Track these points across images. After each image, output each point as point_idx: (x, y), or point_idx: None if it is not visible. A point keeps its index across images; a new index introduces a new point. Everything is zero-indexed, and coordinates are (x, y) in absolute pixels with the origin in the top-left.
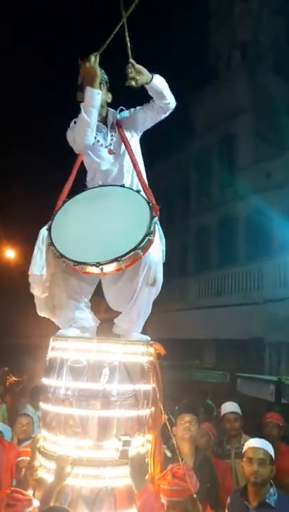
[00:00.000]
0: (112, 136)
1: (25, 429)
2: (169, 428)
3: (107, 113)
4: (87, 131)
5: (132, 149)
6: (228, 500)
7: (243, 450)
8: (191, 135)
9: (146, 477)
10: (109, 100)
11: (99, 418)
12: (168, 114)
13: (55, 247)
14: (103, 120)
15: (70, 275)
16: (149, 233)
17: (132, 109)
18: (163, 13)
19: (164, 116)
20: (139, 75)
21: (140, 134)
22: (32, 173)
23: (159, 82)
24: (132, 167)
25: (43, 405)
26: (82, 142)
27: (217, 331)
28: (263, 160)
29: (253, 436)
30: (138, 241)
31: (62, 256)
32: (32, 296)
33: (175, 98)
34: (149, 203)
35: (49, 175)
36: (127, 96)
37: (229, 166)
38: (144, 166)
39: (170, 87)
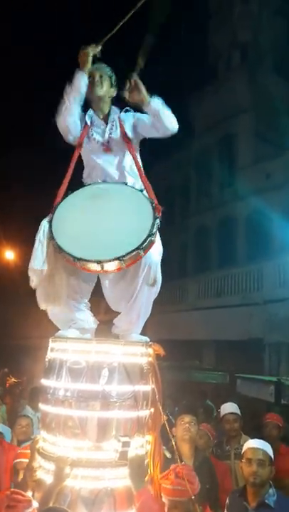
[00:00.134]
0: (110, 134)
1: (24, 430)
2: (168, 429)
3: (109, 111)
4: (67, 110)
5: (134, 149)
6: (227, 501)
7: (242, 451)
8: (190, 135)
9: (146, 478)
10: (113, 95)
11: (98, 419)
12: (168, 136)
13: (55, 242)
14: (104, 117)
15: (70, 274)
16: (152, 234)
17: (138, 114)
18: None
19: (162, 137)
20: (137, 92)
21: (141, 138)
22: (32, 174)
23: (155, 106)
24: (134, 167)
25: (42, 406)
26: (63, 122)
27: (217, 331)
28: (263, 160)
29: (252, 437)
30: (141, 241)
31: (62, 251)
32: (32, 297)
33: (174, 99)
34: (152, 204)
35: (49, 175)
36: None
37: (229, 166)
38: (144, 166)
39: (170, 87)
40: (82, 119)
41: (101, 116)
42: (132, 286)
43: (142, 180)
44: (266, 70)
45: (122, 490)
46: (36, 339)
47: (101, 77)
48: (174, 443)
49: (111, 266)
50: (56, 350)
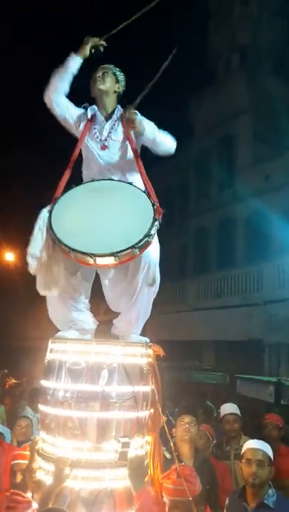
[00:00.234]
0: (109, 132)
1: (24, 431)
2: (167, 430)
3: (114, 110)
4: (52, 85)
5: (136, 151)
6: (227, 502)
7: (242, 451)
8: (190, 137)
9: (146, 479)
10: (118, 90)
11: (98, 420)
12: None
13: (53, 231)
14: (108, 115)
15: (70, 273)
16: (149, 235)
17: (148, 120)
18: (162, 16)
19: (161, 154)
20: (132, 124)
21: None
22: (32, 175)
23: (149, 136)
24: (135, 167)
25: (41, 407)
26: (46, 98)
27: (216, 332)
28: (262, 161)
29: (252, 437)
30: (137, 240)
31: (58, 240)
32: (31, 299)
33: (174, 100)
34: (153, 205)
35: (49, 177)
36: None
37: (228, 167)
38: (143, 167)
39: (170, 89)
40: (84, 115)
41: (104, 114)
42: (132, 287)
43: (143, 182)
44: (265, 72)
45: (122, 491)
46: (36, 340)
47: (104, 74)
48: (172, 444)
49: (105, 261)
50: (56, 351)
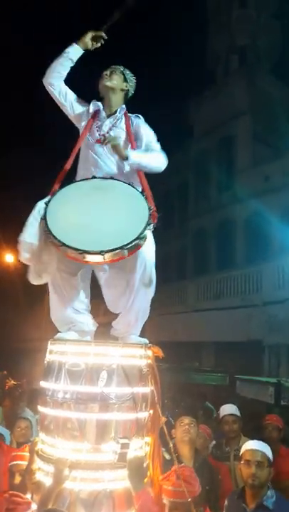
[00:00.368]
0: (110, 129)
1: (24, 432)
2: (166, 431)
3: (117, 109)
4: (50, 68)
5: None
6: (226, 503)
7: (241, 452)
8: (189, 138)
9: (145, 480)
10: (125, 88)
11: (97, 421)
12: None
13: (46, 223)
14: (111, 113)
15: (70, 274)
16: (140, 238)
17: (149, 130)
18: (162, 18)
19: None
20: (115, 151)
21: None
22: (32, 176)
23: (134, 161)
24: (134, 170)
25: (41, 408)
26: (45, 79)
27: (216, 333)
28: (261, 163)
29: (252, 438)
30: (126, 242)
31: (49, 232)
32: (31, 300)
33: (174, 101)
34: (150, 209)
35: (49, 177)
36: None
37: (227, 169)
38: None
39: (170, 91)
40: (88, 111)
41: (107, 111)
42: (128, 288)
43: (141, 184)
44: (264, 73)
45: (121, 492)
46: (36, 341)
47: (112, 72)
48: (171, 445)
49: (93, 258)
50: (55, 352)
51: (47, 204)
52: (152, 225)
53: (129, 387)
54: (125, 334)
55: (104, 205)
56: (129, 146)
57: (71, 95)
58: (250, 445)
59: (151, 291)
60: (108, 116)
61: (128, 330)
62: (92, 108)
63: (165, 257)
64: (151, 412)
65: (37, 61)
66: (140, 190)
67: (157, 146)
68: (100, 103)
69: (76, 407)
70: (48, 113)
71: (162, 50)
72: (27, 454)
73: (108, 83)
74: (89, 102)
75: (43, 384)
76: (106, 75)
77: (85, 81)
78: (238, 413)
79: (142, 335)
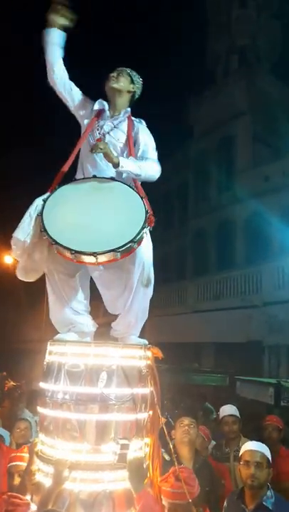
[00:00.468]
0: (111, 129)
1: (23, 433)
2: (166, 432)
3: (121, 111)
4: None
5: (135, 155)
6: (225, 504)
7: (240, 453)
8: (189, 139)
9: (145, 481)
10: (132, 90)
11: (97, 422)
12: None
13: (42, 220)
14: (114, 112)
15: (69, 275)
16: (134, 241)
17: (148, 137)
18: (162, 18)
19: None
20: (107, 158)
21: None
22: (31, 177)
23: (125, 169)
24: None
25: (40, 409)
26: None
27: (216, 334)
28: (261, 163)
29: (252, 439)
30: (119, 245)
31: (44, 230)
32: (31, 302)
33: (173, 102)
34: (146, 213)
35: (49, 178)
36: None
37: (227, 169)
38: None
39: (169, 92)
40: (92, 110)
41: (112, 112)
42: (127, 289)
43: (137, 188)
44: (264, 74)
45: (121, 492)
46: (35, 342)
47: (118, 74)
48: (171, 446)
49: (84, 258)
50: (54, 353)
51: (45, 201)
52: (148, 228)
53: (129, 388)
54: (125, 335)
55: (101, 206)
56: (126, 150)
57: (76, 92)
58: (249, 446)
59: (150, 292)
60: (112, 117)
61: (128, 331)
62: (97, 106)
63: (165, 258)
64: (151, 412)
65: (37, 61)
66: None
67: (153, 154)
68: (105, 102)
69: (76, 408)
70: (47, 113)
71: (162, 50)
72: (26, 455)
73: (115, 85)
74: (94, 101)
75: (42, 385)
76: (113, 76)
77: (87, 82)
78: (237, 414)
79: (141, 336)
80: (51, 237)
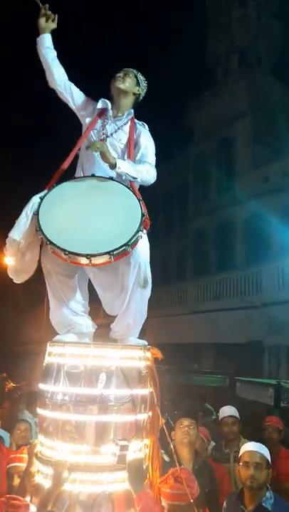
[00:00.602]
0: (115, 131)
1: (23, 435)
2: (167, 433)
3: (125, 113)
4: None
5: (134, 158)
6: (225, 505)
7: (240, 454)
8: (189, 140)
9: (145, 482)
10: (137, 92)
11: (96, 423)
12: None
13: (38, 220)
14: (117, 112)
15: (67, 276)
16: (128, 244)
17: (149, 141)
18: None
19: None
20: (104, 158)
21: None
22: (31, 177)
23: (122, 171)
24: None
25: (40, 411)
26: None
27: (216, 335)
28: (261, 164)
29: (252, 440)
30: (113, 248)
31: (40, 229)
32: (31, 303)
33: (173, 103)
34: (142, 216)
35: (49, 179)
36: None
37: (227, 170)
38: None
39: (169, 93)
40: (94, 110)
41: (114, 112)
42: (124, 290)
43: (134, 190)
44: (264, 74)
45: (121, 494)
46: (35, 344)
47: (125, 74)
48: (172, 446)
49: (79, 260)
50: (54, 354)
51: (42, 199)
52: (143, 231)
53: (129, 389)
54: (124, 336)
55: (98, 206)
56: (126, 152)
57: (77, 92)
58: (249, 447)
59: (147, 292)
60: (114, 117)
61: (127, 332)
62: (100, 105)
63: (165, 259)
64: (151, 413)
65: (37, 61)
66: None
67: (152, 158)
68: (108, 102)
69: (75, 409)
70: (47, 113)
71: (162, 50)
72: (25, 456)
73: (121, 85)
74: (96, 100)
75: (41, 386)
76: (119, 77)
77: (87, 82)
78: (237, 415)
79: (141, 336)
80: (46, 237)
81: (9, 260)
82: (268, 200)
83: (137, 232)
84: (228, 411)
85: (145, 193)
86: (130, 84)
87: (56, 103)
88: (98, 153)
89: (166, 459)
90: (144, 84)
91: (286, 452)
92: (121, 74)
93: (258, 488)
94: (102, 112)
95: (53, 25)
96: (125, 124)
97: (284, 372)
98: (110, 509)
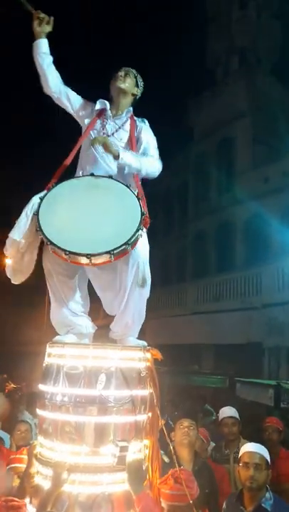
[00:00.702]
0: (116, 130)
1: (23, 435)
2: (166, 433)
3: (124, 111)
4: (39, 72)
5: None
6: (224, 506)
7: (239, 455)
8: (189, 140)
9: (145, 483)
10: (135, 93)
11: (96, 424)
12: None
13: (38, 220)
14: (118, 113)
15: (68, 276)
16: (128, 243)
17: (150, 136)
18: (162, 21)
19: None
20: (108, 149)
21: None
22: (30, 178)
23: (124, 162)
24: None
25: (39, 412)
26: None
27: (216, 336)
28: (261, 165)
29: (252, 440)
30: (113, 247)
31: (40, 229)
32: (31, 304)
33: (173, 104)
34: (142, 215)
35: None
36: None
37: (227, 171)
38: None
39: (169, 93)
40: (93, 111)
41: (114, 111)
42: (121, 289)
43: (137, 187)
44: (264, 74)
45: (120, 495)
46: (35, 345)
47: (126, 74)
48: (171, 447)
49: (79, 259)
50: (53, 355)
51: (41, 199)
52: (143, 230)
53: (128, 390)
54: (123, 337)
55: (98, 205)
56: (128, 149)
57: (74, 96)
58: (248, 447)
59: (145, 292)
60: (114, 117)
61: (126, 332)
62: (98, 106)
63: (165, 259)
64: (150, 414)
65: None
66: (136, 193)
67: (155, 152)
68: (107, 102)
69: (75, 410)
70: (47, 114)
71: (162, 50)
72: (25, 457)
73: (122, 85)
74: (93, 101)
75: (41, 387)
76: (121, 76)
77: (87, 82)
78: (237, 416)
79: (141, 337)
80: (46, 237)
81: (8, 260)
82: (268, 201)
83: (137, 231)
84: (228, 412)
85: (145, 192)
86: (130, 84)
87: (56, 103)
88: (100, 151)
89: (166, 459)
90: (141, 86)
91: (286, 453)
92: (122, 73)
93: (258, 488)
94: (101, 113)
95: (49, 29)
96: (125, 122)
97: (284, 373)
98: (110, 510)
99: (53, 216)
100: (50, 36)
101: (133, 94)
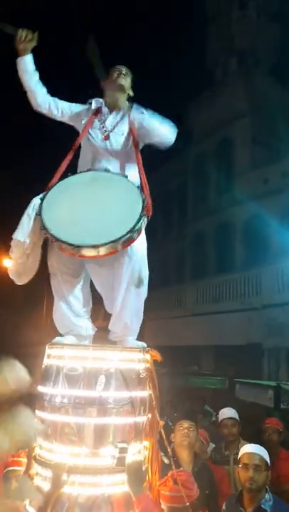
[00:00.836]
0: (115, 125)
1: None
2: (164, 435)
3: (120, 107)
4: (27, 89)
5: (138, 144)
6: (224, 507)
7: (239, 456)
8: (188, 141)
9: (144, 484)
10: (130, 93)
11: (95, 425)
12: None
13: (41, 219)
14: (113, 108)
15: (72, 276)
16: (133, 231)
17: (147, 118)
18: (162, 21)
19: (159, 145)
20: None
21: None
22: (31, 179)
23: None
24: (134, 161)
25: (38, 413)
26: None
27: (215, 337)
28: (261, 165)
29: (252, 441)
30: (118, 236)
31: (44, 227)
32: (31, 305)
33: (172, 105)
34: (143, 202)
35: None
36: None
37: (226, 171)
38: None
39: (169, 93)
40: (88, 110)
41: (111, 108)
42: (118, 288)
43: (139, 175)
44: (263, 76)
45: (120, 496)
46: (35, 346)
47: (126, 73)
48: (169, 449)
49: (86, 252)
50: (53, 356)
51: (42, 199)
52: (146, 217)
53: (128, 392)
54: (123, 338)
55: (99, 198)
56: (131, 140)
57: (63, 105)
58: (248, 449)
59: (143, 292)
60: (111, 113)
61: (125, 332)
62: (94, 105)
63: (164, 260)
64: (150, 416)
65: (37, 61)
66: (137, 181)
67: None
68: (101, 100)
69: (74, 411)
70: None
71: (162, 50)
72: (23, 460)
73: (123, 82)
74: (84, 103)
75: (40, 388)
76: (122, 74)
77: (87, 82)
78: (237, 417)
79: (140, 339)
80: (52, 235)
81: (10, 262)
82: (268, 202)
83: (140, 218)
84: (227, 413)
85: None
86: (128, 83)
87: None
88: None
89: (166, 461)
90: (131, 88)
91: (286, 454)
92: (123, 71)
93: (257, 490)
94: (98, 111)
95: (33, 44)
96: (123, 116)
97: (283, 374)
98: (109, 511)
99: (55, 214)
100: (50, 37)
101: (128, 94)
